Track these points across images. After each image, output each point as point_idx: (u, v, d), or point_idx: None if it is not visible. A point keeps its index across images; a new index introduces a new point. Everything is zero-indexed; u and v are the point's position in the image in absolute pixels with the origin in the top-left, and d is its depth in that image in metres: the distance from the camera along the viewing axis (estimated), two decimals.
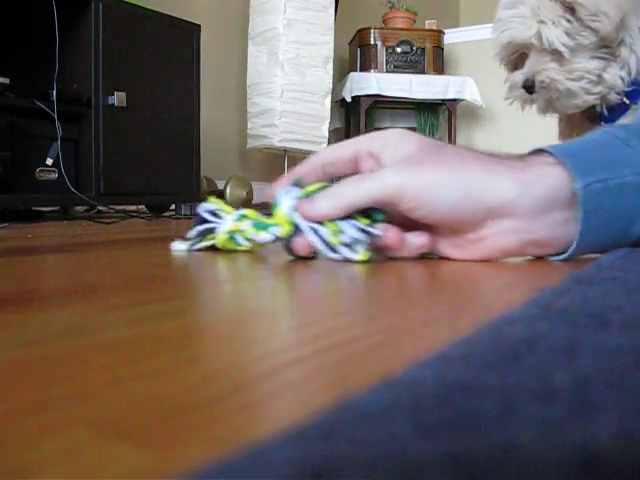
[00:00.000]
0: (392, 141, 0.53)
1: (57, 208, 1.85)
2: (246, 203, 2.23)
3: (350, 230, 0.50)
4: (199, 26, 1.97)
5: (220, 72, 2.81)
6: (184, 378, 0.20)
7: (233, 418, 0.17)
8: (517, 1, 0.86)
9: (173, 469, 0.13)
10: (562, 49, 0.82)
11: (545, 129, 3.37)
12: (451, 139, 3.35)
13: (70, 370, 0.21)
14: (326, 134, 2.73)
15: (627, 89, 0.85)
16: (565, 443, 0.13)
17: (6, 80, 1.48)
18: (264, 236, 0.55)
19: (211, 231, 0.60)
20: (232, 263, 0.56)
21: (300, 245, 0.52)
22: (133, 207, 1.96)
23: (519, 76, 0.89)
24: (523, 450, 0.12)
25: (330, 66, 2.70)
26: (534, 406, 0.15)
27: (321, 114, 2.68)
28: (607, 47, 0.83)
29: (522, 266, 0.51)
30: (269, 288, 0.44)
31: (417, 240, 0.52)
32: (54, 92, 1.51)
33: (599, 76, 0.83)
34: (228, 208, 0.60)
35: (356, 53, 3.37)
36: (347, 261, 0.51)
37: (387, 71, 3.26)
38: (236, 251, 0.59)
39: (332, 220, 0.51)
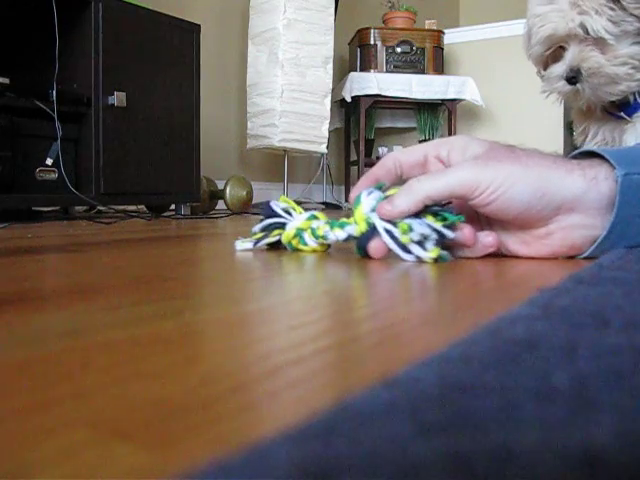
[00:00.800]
0: (458, 144, 0.56)
1: (57, 208, 1.85)
2: (246, 203, 2.23)
3: (419, 227, 0.51)
4: (199, 26, 1.97)
5: (220, 72, 2.81)
6: (184, 378, 0.20)
7: (233, 418, 0.17)
8: None
9: (173, 469, 0.13)
10: (607, 37, 0.83)
11: (545, 129, 3.36)
12: None
13: (70, 370, 0.21)
14: (326, 134, 2.73)
15: None
16: (565, 443, 0.13)
17: (6, 80, 1.48)
18: (338, 233, 0.56)
19: (279, 226, 0.61)
20: (232, 262, 0.56)
21: (376, 248, 0.53)
22: (133, 207, 1.96)
23: (560, 67, 0.89)
24: (523, 450, 0.12)
25: (330, 66, 2.70)
26: (534, 406, 0.15)
27: (321, 114, 2.68)
28: None
29: (522, 266, 0.51)
30: (269, 288, 0.44)
31: (486, 240, 0.53)
32: (54, 92, 1.51)
33: None
34: (299, 208, 0.62)
35: (356, 53, 3.37)
36: (420, 262, 0.52)
37: (387, 71, 3.26)
38: (298, 251, 0.60)
39: (403, 219, 0.52)
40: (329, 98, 2.72)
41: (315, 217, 0.59)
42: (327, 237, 0.57)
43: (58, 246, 0.79)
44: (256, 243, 0.62)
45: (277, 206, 0.61)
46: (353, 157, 3.46)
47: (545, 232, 0.52)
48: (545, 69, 0.94)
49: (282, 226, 0.61)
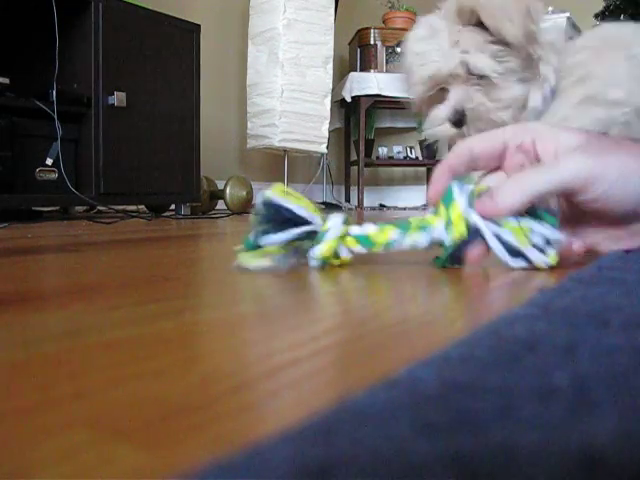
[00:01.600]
0: (546, 132, 0.50)
1: (57, 208, 1.85)
2: (246, 203, 2.23)
3: (542, 229, 0.44)
4: (199, 26, 1.97)
5: (220, 72, 2.81)
6: (184, 378, 0.20)
7: (233, 418, 0.17)
8: (430, 34, 0.81)
9: (173, 469, 0.13)
10: (492, 74, 0.78)
11: None
12: None
13: (70, 370, 0.21)
14: (326, 134, 2.73)
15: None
16: (565, 443, 0.13)
17: (6, 80, 1.48)
18: (417, 238, 0.45)
19: (306, 236, 0.46)
20: (232, 262, 0.55)
21: (478, 255, 0.46)
22: (133, 207, 1.96)
23: (445, 110, 0.83)
24: (523, 450, 0.12)
25: (330, 66, 2.71)
26: (534, 406, 0.15)
27: (321, 114, 2.68)
28: (530, 68, 0.79)
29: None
30: (269, 288, 0.44)
31: (575, 246, 0.48)
32: (54, 92, 1.52)
33: (524, 100, 0.81)
34: (311, 206, 0.47)
35: (356, 53, 3.37)
36: (532, 269, 0.45)
37: (387, 71, 3.26)
38: (331, 266, 0.48)
39: (510, 220, 0.44)
40: (329, 98, 2.72)
41: (347, 221, 0.47)
42: (394, 244, 0.45)
43: (58, 246, 0.79)
44: (279, 263, 0.45)
45: (299, 209, 0.45)
46: (353, 157, 3.46)
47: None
48: (427, 108, 0.88)
49: (308, 236, 0.46)
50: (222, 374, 0.21)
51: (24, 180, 1.51)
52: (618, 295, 0.31)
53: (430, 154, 3.58)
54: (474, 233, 0.44)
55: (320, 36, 2.65)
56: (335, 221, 0.46)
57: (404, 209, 3.29)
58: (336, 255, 0.47)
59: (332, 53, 2.71)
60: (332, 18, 2.71)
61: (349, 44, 3.47)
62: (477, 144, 0.52)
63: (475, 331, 0.23)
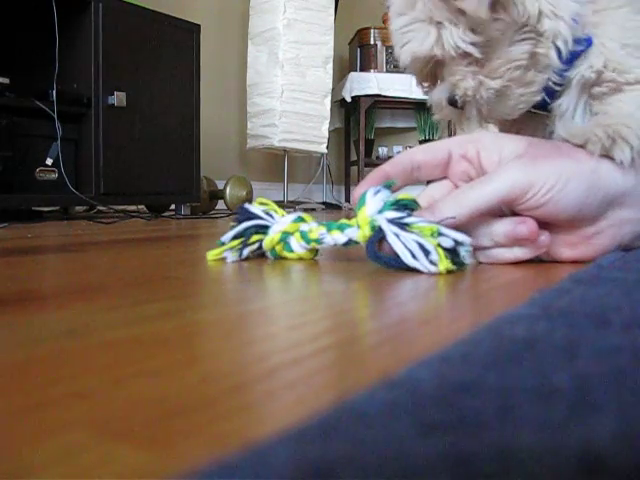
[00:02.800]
0: (489, 142, 0.51)
1: (57, 208, 1.85)
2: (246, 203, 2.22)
3: (451, 232, 0.45)
4: (199, 26, 1.97)
5: (220, 72, 2.81)
6: (184, 378, 0.20)
7: (233, 418, 0.17)
8: (406, 5, 0.70)
9: (173, 469, 0.13)
10: (471, 50, 0.65)
11: None
12: None
13: (70, 370, 0.21)
14: (326, 134, 2.73)
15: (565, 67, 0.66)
16: (565, 443, 0.12)
17: (6, 80, 1.48)
18: (337, 237, 0.49)
19: (259, 230, 0.53)
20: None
21: (388, 252, 0.47)
22: (133, 207, 1.96)
23: (440, 94, 0.73)
24: (523, 450, 0.12)
25: (330, 66, 2.71)
26: (534, 406, 0.15)
27: (321, 114, 2.68)
28: (529, 25, 0.65)
29: (522, 266, 0.51)
30: (269, 288, 0.44)
31: (541, 239, 0.48)
32: (54, 92, 1.52)
33: (531, 58, 0.66)
34: (280, 210, 0.55)
35: (356, 53, 3.37)
36: (426, 273, 0.45)
37: (387, 71, 3.25)
38: (282, 258, 0.53)
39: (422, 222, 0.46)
40: (329, 98, 2.72)
41: (302, 219, 0.53)
42: (323, 241, 0.50)
43: (58, 246, 0.79)
44: (239, 254, 0.53)
45: (255, 208, 0.54)
46: (353, 157, 3.46)
47: (594, 231, 0.48)
48: (433, 84, 0.76)
49: (262, 230, 0.53)
50: (222, 374, 0.21)
51: (24, 180, 1.51)
52: (618, 295, 0.31)
53: None
54: (379, 233, 0.47)
55: (320, 36, 2.65)
56: (285, 218, 0.53)
57: None
58: (289, 249, 0.53)
59: (332, 53, 2.71)
60: (332, 18, 2.71)
61: (349, 44, 3.47)
62: (419, 153, 0.53)
63: (475, 331, 0.23)
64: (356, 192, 0.51)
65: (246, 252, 0.53)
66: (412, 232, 0.46)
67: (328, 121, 2.73)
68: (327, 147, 2.78)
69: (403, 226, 0.46)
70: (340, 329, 0.29)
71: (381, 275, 0.47)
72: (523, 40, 0.65)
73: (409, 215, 0.47)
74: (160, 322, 0.29)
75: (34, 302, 0.36)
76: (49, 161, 1.55)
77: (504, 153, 0.49)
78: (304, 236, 0.51)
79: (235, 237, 0.53)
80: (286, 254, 0.53)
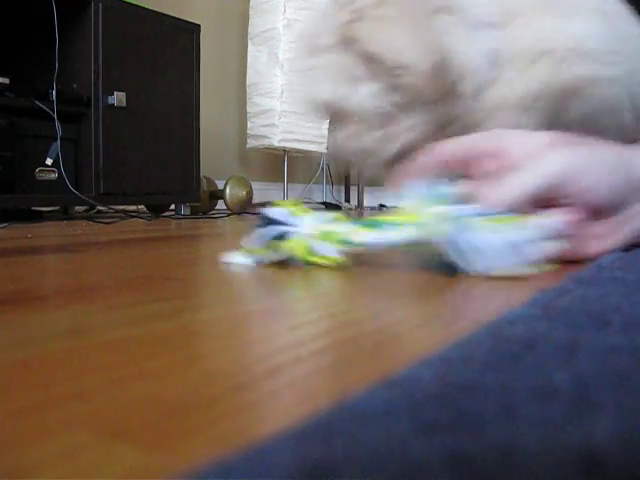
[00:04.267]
0: (511, 137, 0.50)
1: (57, 208, 1.84)
2: (246, 203, 2.22)
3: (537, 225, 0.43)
4: (199, 26, 1.97)
5: (220, 72, 2.81)
6: (184, 378, 0.20)
7: (233, 418, 0.17)
8: (318, 49, 0.63)
9: (173, 469, 0.13)
10: (388, 110, 0.58)
11: None
12: None
13: (70, 370, 0.21)
14: (326, 134, 2.73)
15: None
16: (565, 443, 0.13)
17: (6, 80, 1.48)
18: (390, 236, 0.44)
19: (282, 236, 0.48)
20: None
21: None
22: (133, 207, 1.96)
23: (344, 139, 0.66)
24: (523, 450, 0.12)
25: None
26: (534, 406, 0.15)
27: None
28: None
29: None
30: (269, 288, 0.44)
31: (598, 230, 0.49)
32: (54, 92, 1.51)
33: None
34: (302, 209, 0.49)
35: None
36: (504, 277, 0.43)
37: None
38: (314, 265, 0.48)
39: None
40: None
41: (336, 219, 0.47)
42: (366, 243, 0.45)
43: (58, 246, 0.79)
44: (259, 260, 0.49)
45: (275, 213, 0.49)
46: None
47: (622, 219, 0.49)
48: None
49: (287, 235, 0.48)
50: (222, 374, 0.21)
51: (24, 180, 1.51)
52: (618, 295, 0.31)
53: None
54: (455, 228, 0.43)
55: None
56: (309, 220, 0.47)
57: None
58: (319, 255, 0.47)
59: None
60: None
61: None
62: (446, 149, 0.52)
63: (475, 331, 0.23)
64: (400, 186, 0.47)
65: (270, 258, 0.49)
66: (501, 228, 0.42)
67: (328, 121, 2.73)
68: (327, 147, 2.78)
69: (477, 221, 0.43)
70: (340, 329, 0.29)
71: (381, 275, 0.47)
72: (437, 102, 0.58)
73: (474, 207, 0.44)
74: (160, 322, 0.29)
75: (34, 302, 0.36)
76: (49, 161, 1.55)
77: (530, 143, 0.49)
78: (342, 239, 0.46)
79: (260, 242, 0.49)
80: (317, 260, 0.47)
